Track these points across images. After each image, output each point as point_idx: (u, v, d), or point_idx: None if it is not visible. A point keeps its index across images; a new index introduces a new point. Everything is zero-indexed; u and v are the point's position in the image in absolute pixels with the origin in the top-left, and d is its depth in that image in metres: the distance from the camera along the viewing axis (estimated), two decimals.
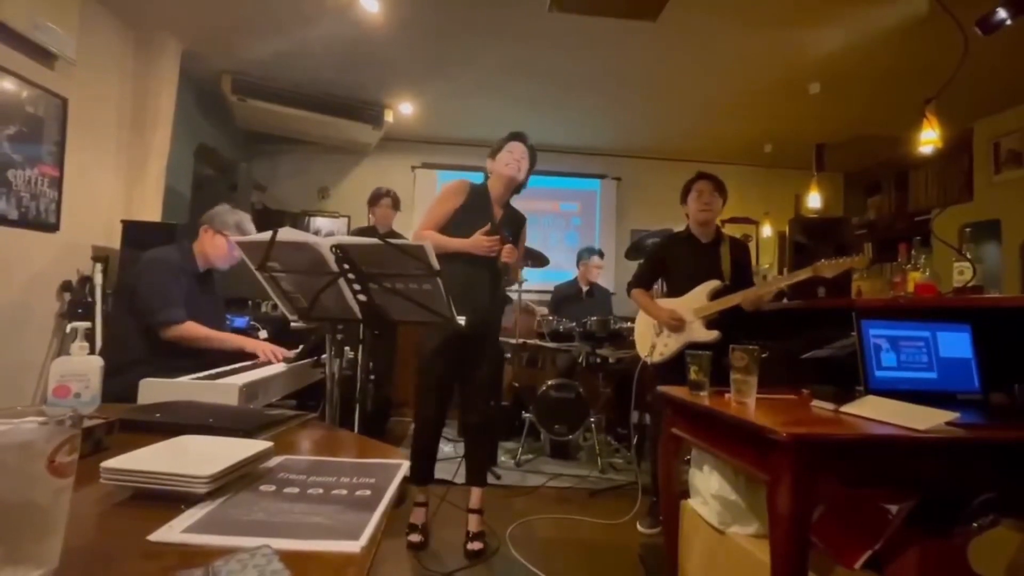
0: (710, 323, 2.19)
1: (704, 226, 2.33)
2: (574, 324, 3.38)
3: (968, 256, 1.96)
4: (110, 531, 0.57)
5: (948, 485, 1.08)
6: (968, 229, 3.91)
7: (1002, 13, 2.33)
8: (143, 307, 1.72)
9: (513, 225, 2.21)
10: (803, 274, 2.01)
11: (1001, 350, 1.44)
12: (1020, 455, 1.06)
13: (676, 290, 2.34)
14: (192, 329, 1.73)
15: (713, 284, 2.22)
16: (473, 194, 2.17)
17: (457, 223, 2.09)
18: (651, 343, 2.33)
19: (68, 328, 2.61)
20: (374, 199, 3.35)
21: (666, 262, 2.41)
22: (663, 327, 2.28)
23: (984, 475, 1.07)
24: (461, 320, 1.33)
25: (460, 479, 2.34)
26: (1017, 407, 1.34)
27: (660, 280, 2.51)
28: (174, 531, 0.54)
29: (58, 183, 2.64)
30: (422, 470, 2.14)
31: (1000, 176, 3.97)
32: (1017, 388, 1.38)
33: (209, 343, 1.75)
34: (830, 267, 1.95)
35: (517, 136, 2.22)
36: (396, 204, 3.34)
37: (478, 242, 2.02)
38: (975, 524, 1.06)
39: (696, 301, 2.23)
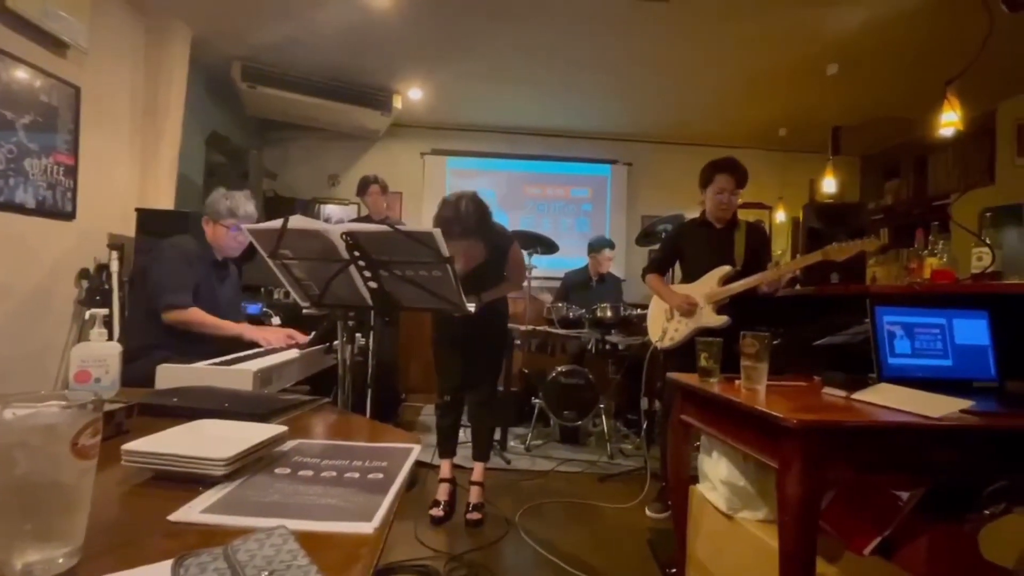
0: (720, 308, 2.18)
1: (720, 219, 2.31)
2: (583, 311, 3.38)
3: (987, 241, 1.92)
4: (132, 511, 0.59)
5: (960, 473, 1.07)
6: (989, 213, 3.81)
7: None
8: (151, 289, 1.75)
9: (494, 254, 2.16)
10: (813, 258, 1.98)
11: (1021, 337, 1.42)
12: None
13: (690, 276, 2.33)
14: (194, 315, 1.75)
15: (724, 270, 2.20)
16: None
17: None
18: (662, 328, 2.33)
19: (87, 315, 2.67)
20: (362, 187, 3.37)
21: (682, 248, 2.40)
22: (675, 312, 2.28)
23: (997, 463, 1.06)
24: (471, 306, 1.33)
25: (468, 463, 2.39)
26: None
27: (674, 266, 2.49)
28: (193, 511, 0.56)
29: (73, 172, 2.67)
30: (446, 443, 2.30)
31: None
32: None
33: (208, 329, 1.76)
34: (840, 250, 1.91)
35: (451, 236, 1.73)
36: (385, 189, 3.35)
37: None
38: (986, 512, 1.06)
39: (707, 286, 2.22)
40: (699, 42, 3.33)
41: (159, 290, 1.74)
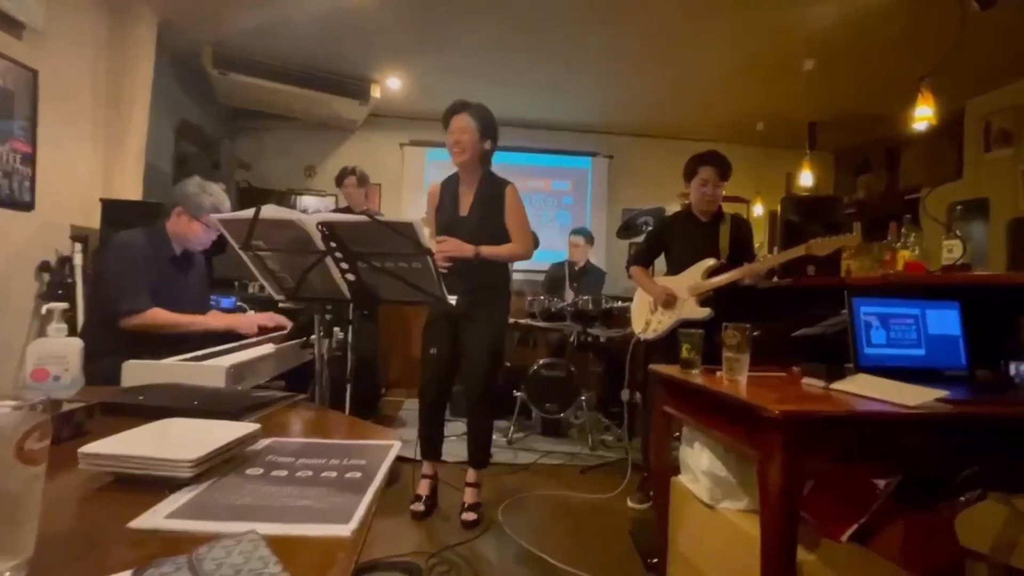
0: (703, 301, 2.20)
1: (705, 213, 2.32)
2: (565, 303, 3.38)
3: (957, 234, 1.97)
4: (90, 518, 0.56)
5: (936, 460, 1.09)
6: (958, 207, 3.94)
7: None
8: (104, 297, 1.66)
9: (490, 199, 2.11)
10: (796, 252, 2.01)
11: (988, 327, 1.46)
12: (1005, 430, 1.08)
13: (675, 268, 2.34)
14: (155, 316, 1.65)
15: (708, 262, 2.22)
16: (445, 191, 2.17)
17: (439, 223, 2.15)
18: (645, 320, 2.35)
19: (44, 309, 2.54)
20: (339, 179, 3.30)
21: (666, 240, 2.41)
22: (658, 304, 2.28)
23: (970, 449, 1.09)
24: (452, 300, 1.31)
25: (452, 458, 2.36)
26: (1002, 383, 1.36)
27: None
28: (157, 517, 0.53)
29: (31, 160, 2.54)
30: (428, 444, 2.19)
31: (990, 155, 3.98)
32: (1003, 364, 1.39)
33: (175, 328, 1.67)
34: (823, 245, 1.95)
35: (453, 111, 2.06)
36: (362, 181, 3.27)
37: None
38: (961, 498, 1.08)
39: (691, 279, 2.24)
40: (678, 37, 3.34)
41: (112, 297, 1.64)
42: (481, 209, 2.08)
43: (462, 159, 2.04)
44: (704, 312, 2.15)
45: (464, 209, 2.11)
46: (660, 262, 2.52)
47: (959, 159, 4.23)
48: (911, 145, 4.59)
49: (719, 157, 2.28)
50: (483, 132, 2.05)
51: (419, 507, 2.11)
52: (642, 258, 2.44)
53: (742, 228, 2.37)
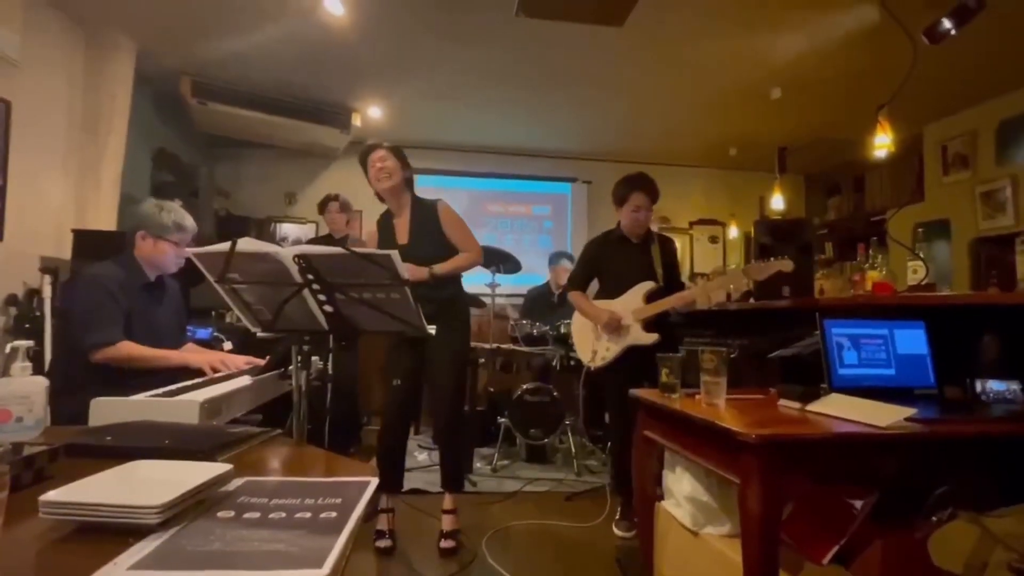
0: (648, 325, 2.20)
1: (636, 235, 2.34)
2: (547, 327, 3.39)
3: (921, 255, 2.05)
4: (49, 571, 0.53)
5: (908, 478, 1.11)
6: (920, 229, 4.09)
7: (947, 23, 2.45)
8: (73, 330, 1.61)
9: (424, 219, 2.15)
10: (736, 278, 2.06)
11: (954, 345, 1.51)
12: (974, 448, 1.10)
13: (610, 291, 2.33)
14: (126, 349, 1.60)
15: (648, 286, 2.23)
16: (382, 226, 2.22)
17: None
18: (592, 348, 2.31)
19: (8, 348, 2.45)
20: (322, 205, 3.33)
21: (599, 263, 2.38)
22: (602, 330, 2.27)
23: (941, 468, 1.11)
24: (431, 329, 1.30)
25: (433, 487, 2.31)
26: (970, 401, 1.40)
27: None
28: (120, 569, 0.51)
29: (1, 190, 2.49)
30: (388, 477, 2.12)
31: (949, 178, 4.17)
32: (969, 382, 1.43)
33: (146, 363, 1.62)
34: (758, 269, 2.00)
35: (369, 149, 2.16)
36: (345, 208, 3.30)
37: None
38: (934, 518, 1.10)
39: (633, 303, 2.23)
40: (652, 65, 3.46)
41: (82, 330, 1.59)
42: (419, 232, 2.12)
43: (389, 184, 2.10)
44: (652, 337, 2.14)
45: (403, 237, 2.13)
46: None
47: (921, 182, 4.41)
48: (876, 169, 4.78)
49: (648, 181, 2.30)
50: (402, 162, 2.16)
51: (386, 543, 2.03)
52: (579, 281, 2.40)
53: (669, 249, 2.38)
